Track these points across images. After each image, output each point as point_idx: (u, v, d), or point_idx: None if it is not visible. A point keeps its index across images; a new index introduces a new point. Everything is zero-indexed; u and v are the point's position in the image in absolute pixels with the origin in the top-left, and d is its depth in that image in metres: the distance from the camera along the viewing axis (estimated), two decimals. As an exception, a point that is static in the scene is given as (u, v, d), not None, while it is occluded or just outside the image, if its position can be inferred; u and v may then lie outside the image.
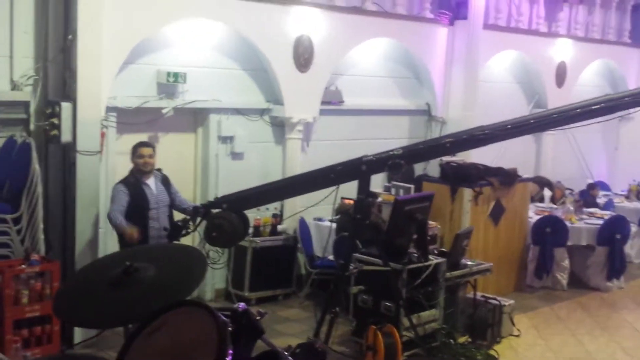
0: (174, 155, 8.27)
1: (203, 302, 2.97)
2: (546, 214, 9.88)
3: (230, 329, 2.75)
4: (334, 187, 6.62)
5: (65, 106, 6.82)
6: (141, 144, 6.99)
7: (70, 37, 6.94)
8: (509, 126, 6.87)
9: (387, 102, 10.37)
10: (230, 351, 2.63)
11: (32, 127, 6.92)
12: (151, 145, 7.10)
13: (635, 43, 13.94)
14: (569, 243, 9.57)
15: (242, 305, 2.99)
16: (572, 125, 7.02)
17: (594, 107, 6.70)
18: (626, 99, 7.01)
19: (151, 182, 6.92)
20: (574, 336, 7.90)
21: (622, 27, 13.80)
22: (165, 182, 7.06)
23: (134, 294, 3.08)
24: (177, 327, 2.81)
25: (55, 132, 6.82)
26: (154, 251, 3.90)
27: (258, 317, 2.99)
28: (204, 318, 2.76)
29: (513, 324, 7.73)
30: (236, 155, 8.72)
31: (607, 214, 10.27)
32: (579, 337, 7.87)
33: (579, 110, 6.78)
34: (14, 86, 6.90)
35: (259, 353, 2.99)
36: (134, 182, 6.85)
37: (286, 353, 3.00)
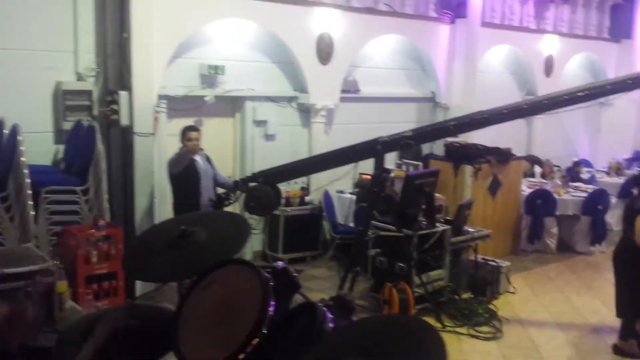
0: (216, 137, 8.26)
1: (248, 261, 2.95)
2: (537, 187, 9.77)
3: (271, 284, 2.73)
4: (353, 164, 6.59)
5: (123, 94, 6.84)
6: (190, 128, 6.98)
7: (125, 34, 6.92)
8: (505, 111, 6.82)
9: (397, 90, 10.27)
10: (272, 303, 2.61)
11: (95, 112, 6.94)
12: (197, 129, 7.08)
13: (613, 38, 13.69)
14: (557, 213, 9.48)
15: (280, 263, 2.96)
16: (559, 110, 6.94)
17: (578, 94, 6.62)
18: (607, 87, 6.93)
19: (198, 158, 6.92)
20: (562, 293, 7.83)
21: (602, 24, 13.55)
22: (207, 159, 7.06)
23: (189, 254, 3.07)
24: (227, 282, 2.80)
25: (115, 116, 6.85)
26: (205, 217, 3.88)
27: (295, 274, 2.97)
28: (249, 274, 2.73)
29: (509, 282, 7.68)
30: (269, 137, 8.70)
31: (590, 188, 10.15)
32: (567, 294, 7.81)
33: (565, 96, 6.71)
34: (79, 77, 6.92)
35: (297, 304, 2.97)
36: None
37: (320, 304, 2.97)
